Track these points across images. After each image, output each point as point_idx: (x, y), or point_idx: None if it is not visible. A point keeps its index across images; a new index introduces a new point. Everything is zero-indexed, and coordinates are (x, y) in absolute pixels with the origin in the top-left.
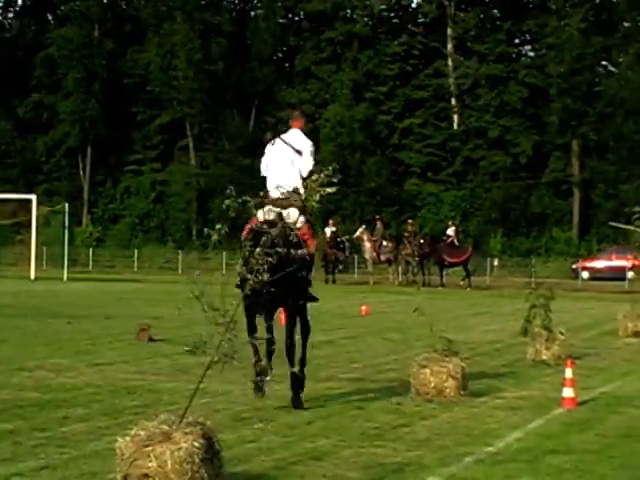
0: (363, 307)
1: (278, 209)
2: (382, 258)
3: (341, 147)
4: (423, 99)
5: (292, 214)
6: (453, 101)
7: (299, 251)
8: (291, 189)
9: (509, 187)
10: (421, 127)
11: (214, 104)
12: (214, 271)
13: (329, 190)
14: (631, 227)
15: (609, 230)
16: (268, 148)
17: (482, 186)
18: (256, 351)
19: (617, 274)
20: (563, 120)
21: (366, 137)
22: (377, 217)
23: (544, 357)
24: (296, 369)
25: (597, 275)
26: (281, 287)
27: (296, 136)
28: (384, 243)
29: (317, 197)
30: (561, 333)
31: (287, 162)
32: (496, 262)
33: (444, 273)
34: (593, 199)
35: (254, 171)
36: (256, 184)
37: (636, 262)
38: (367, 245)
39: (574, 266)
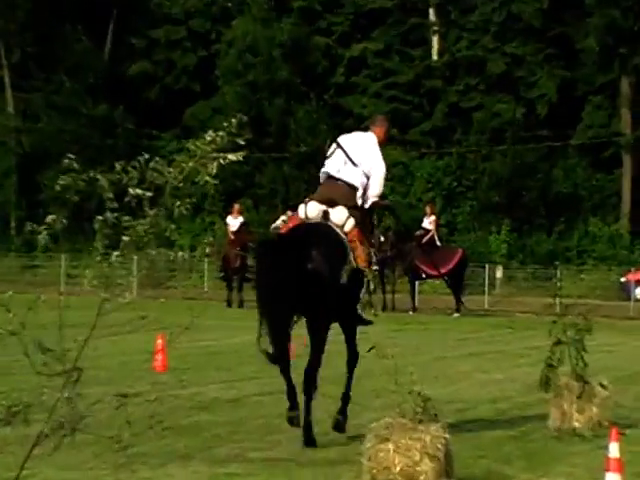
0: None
1: (324, 206)
2: None
3: (252, 87)
4: (384, 11)
5: (340, 214)
6: (431, 14)
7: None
8: (343, 182)
9: (520, 153)
10: (380, 56)
11: (44, 17)
12: (47, 286)
13: (231, 157)
14: None
15: None
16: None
17: (477, 152)
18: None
19: None
20: (606, 46)
21: (293, 72)
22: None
23: (576, 424)
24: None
25: None
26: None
27: (363, 142)
28: None
29: (213, 167)
30: (602, 386)
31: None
32: (499, 273)
33: (416, 289)
34: None
35: (114, 126)
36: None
37: None
38: None
39: (623, 279)
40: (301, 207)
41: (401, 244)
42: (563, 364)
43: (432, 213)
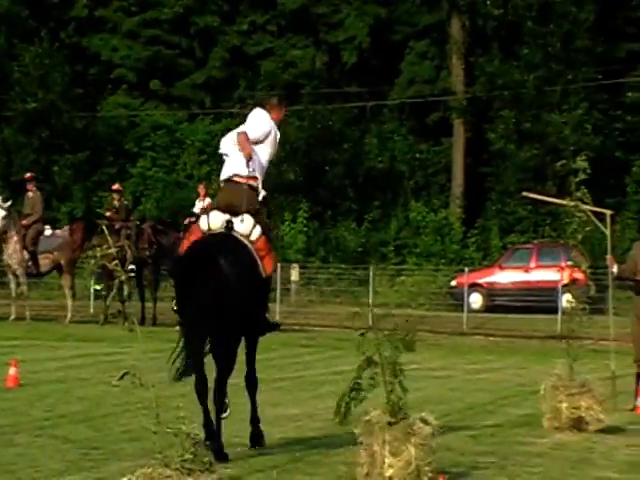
0: (11, 370)
1: (228, 215)
2: (42, 264)
3: None
4: None
5: (246, 223)
6: None
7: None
8: (245, 185)
9: (322, 115)
10: None
11: None
12: None
13: None
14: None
15: None
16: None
17: None
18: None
19: None
20: None
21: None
22: (29, 175)
23: (389, 471)
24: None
25: None
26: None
27: (257, 117)
28: (47, 231)
29: None
30: (425, 422)
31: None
32: (295, 274)
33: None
34: None
35: None
36: None
37: None
38: (11, 238)
39: (454, 283)
40: (203, 218)
41: (162, 238)
42: (373, 392)
43: (206, 195)
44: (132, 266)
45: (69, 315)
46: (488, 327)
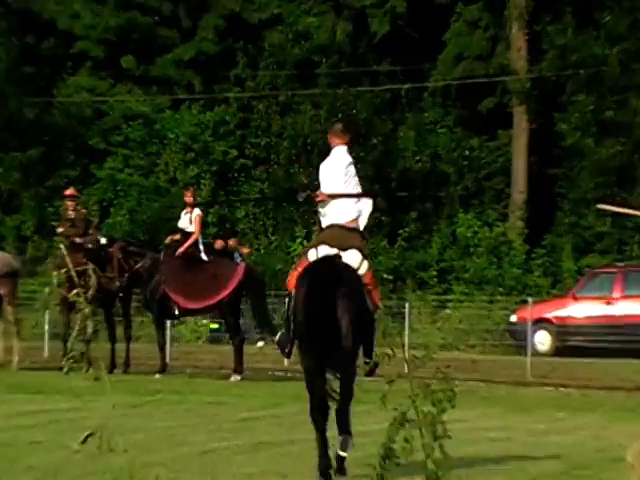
0: None
1: (335, 250)
2: None
3: None
4: None
5: (353, 257)
6: None
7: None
8: (351, 224)
9: None
10: None
11: None
12: None
13: None
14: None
15: None
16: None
17: None
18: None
19: None
20: None
21: None
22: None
23: None
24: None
25: None
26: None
27: (340, 160)
28: None
29: None
30: None
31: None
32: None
33: (167, 335)
34: None
35: None
36: None
37: None
38: None
39: (514, 318)
40: (312, 251)
41: (136, 262)
42: (412, 455)
43: (194, 204)
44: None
45: (16, 360)
46: (558, 375)
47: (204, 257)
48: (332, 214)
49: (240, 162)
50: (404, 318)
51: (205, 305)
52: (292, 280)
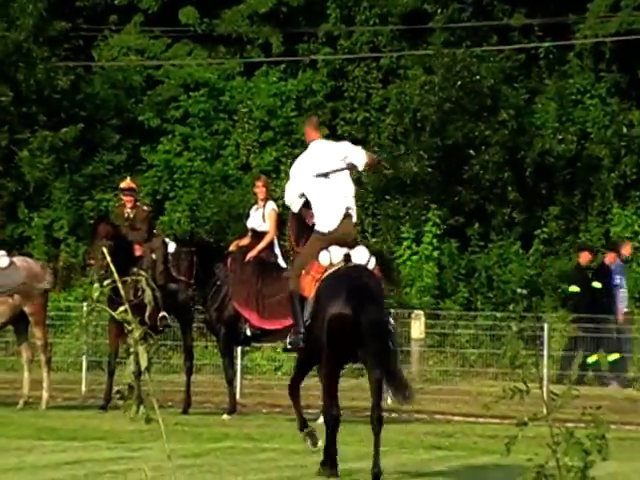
0: None
1: (346, 249)
2: None
3: None
4: None
5: (362, 255)
6: None
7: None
8: (354, 217)
9: None
10: None
11: None
12: None
13: None
14: None
15: None
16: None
17: None
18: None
19: None
20: None
21: None
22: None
23: None
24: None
25: None
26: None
27: (325, 148)
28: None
29: None
30: None
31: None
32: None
33: (238, 365)
34: None
35: None
36: None
37: None
38: None
39: None
40: (324, 254)
41: (214, 268)
42: None
43: (267, 197)
44: (163, 313)
45: (46, 396)
46: None
47: (282, 263)
48: (332, 200)
49: None
50: (542, 343)
51: (285, 326)
52: (308, 286)
